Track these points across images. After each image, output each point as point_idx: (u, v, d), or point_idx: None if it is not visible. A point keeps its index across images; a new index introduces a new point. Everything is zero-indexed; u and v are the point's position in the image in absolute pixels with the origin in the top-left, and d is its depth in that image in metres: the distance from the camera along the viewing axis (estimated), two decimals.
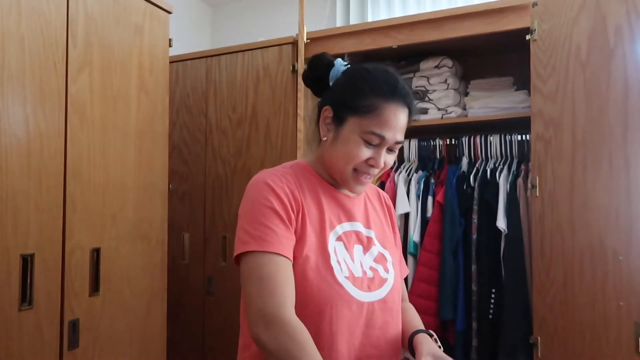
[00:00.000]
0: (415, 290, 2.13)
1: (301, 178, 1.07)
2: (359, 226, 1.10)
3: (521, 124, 2.07)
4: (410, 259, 2.19)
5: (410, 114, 1.05)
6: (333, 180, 1.10)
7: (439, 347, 1.05)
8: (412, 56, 2.41)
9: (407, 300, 1.27)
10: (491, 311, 2.02)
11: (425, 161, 2.40)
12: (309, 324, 0.95)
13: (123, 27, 1.84)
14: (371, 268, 1.06)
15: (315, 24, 2.86)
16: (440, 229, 2.13)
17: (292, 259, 0.97)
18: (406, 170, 2.35)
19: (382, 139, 1.01)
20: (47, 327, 1.54)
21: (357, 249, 1.07)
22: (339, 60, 1.11)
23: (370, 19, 3.16)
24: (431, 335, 1.08)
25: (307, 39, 2.34)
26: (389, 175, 2.33)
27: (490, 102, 2.24)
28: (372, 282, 1.05)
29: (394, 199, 2.23)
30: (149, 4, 1.95)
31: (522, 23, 1.95)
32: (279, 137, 2.45)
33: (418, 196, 2.24)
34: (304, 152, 2.31)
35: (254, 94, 2.52)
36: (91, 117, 1.70)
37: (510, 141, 2.20)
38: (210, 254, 2.60)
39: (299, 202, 1.02)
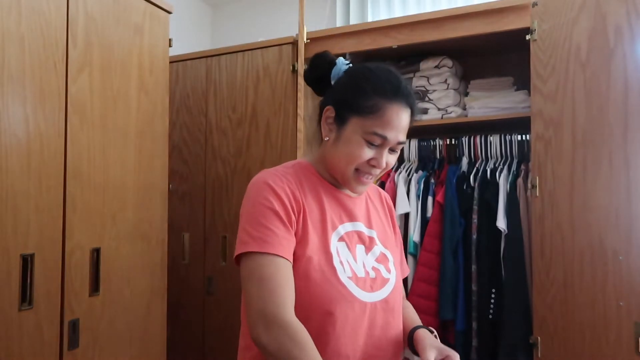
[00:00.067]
0: (415, 290, 2.13)
1: (302, 178, 1.07)
2: (361, 226, 1.10)
3: (521, 124, 2.07)
4: (410, 259, 2.19)
5: (412, 114, 1.04)
6: (334, 180, 1.10)
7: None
8: (412, 56, 2.41)
9: (406, 298, 1.28)
10: (491, 311, 2.02)
11: (425, 161, 2.40)
12: (312, 325, 0.95)
13: (123, 27, 1.84)
14: (373, 268, 1.06)
15: (315, 24, 2.86)
16: (440, 229, 2.13)
17: (292, 260, 0.97)
18: (406, 170, 2.35)
19: (385, 139, 1.00)
20: (47, 327, 1.54)
21: (360, 249, 1.07)
22: (341, 59, 1.10)
23: (370, 19, 3.16)
24: (431, 332, 1.08)
25: (307, 39, 2.34)
26: (389, 175, 2.33)
27: (490, 102, 2.24)
28: (374, 282, 1.05)
29: (394, 199, 2.23)
30: (149, 4, 1.95)
31: (522, 23, 1.95)
32: (279, 137, 2.45)
33: (418, 196, 2.24)
34: (304, 152, 2.31)
35: (254, 94, 2.52)
36: (91, 117, 1.70)
37: (510, 141, 2.20)
38: (210, 254, 2.60)
39: (300, 202, 1.02)
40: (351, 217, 1.09)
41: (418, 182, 2.27)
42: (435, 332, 1.09)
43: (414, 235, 2.19)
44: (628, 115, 1.60)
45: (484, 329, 2.04)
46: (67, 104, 1.62)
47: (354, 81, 1.04)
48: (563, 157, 1.74)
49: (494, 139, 2.22)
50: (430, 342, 1.01)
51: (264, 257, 0.94)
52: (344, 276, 1.00)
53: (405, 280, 1.29)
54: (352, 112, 1.02)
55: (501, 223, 2.00)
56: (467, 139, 2.28)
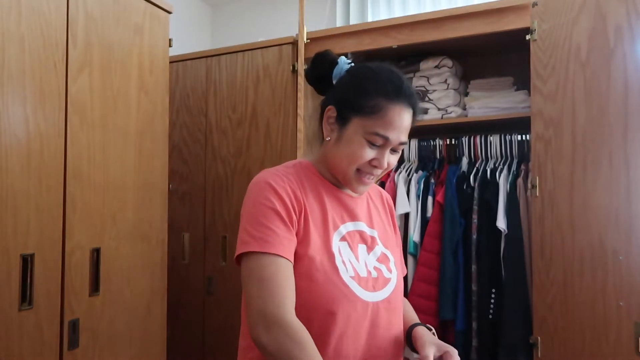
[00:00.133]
0: (415, 290, 2.13)
1: (303, 178, 1.06)
2: (363, 226, 1.10)
3: (521, 124, 2.07)
4: (410, 259, 2.19)
5: (414, 115, 1.04)
6: (335, 179, 1.09)
7: None
8: (412, 56, 2.41)
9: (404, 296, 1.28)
10: (491, 311, 2.02)
11: (425, 161, 2.40)
12: (314, 325, 0.95)
13: (123, 27, 1.84)
14: (375, 268, 1.06)
15: (315, 24, 2.86)
16: (440, 229, 2.13)
17: (292, 260, 0.97)
18: (406, 170, 2.35)
19: (386, 140, 1.00)
20: (47, 327, 1.54)
21: (361, 248, 1.07)
22: (343, 58, 1.09)
23: (370, 19, 3.16)
24: (429, 329, 1.08)
25: (307, 39, 2.34)
26: (389, 175, 2.33)
27: (490, 102, 2.24)
28: (376, 282, 1.04)
29: (394, 199, 2.23)
30: (149, 4, 1.95)
31: (522, 23, 1.95)
32: (279, 137, 2.45)
33: (418, 196, 2.24)
34: (304, 152, 2.31)
35: (254, 94, 2.52)
36: (91, 117, 1.70)
37: (510, 141, 2.20)
38: (210, 254, 2.60)
39: (301, 202, 1.01)
40: (353, 217, 1.09)
41: (418, 182, 2.27)
42: (434, 330, 1.09)
43: (414, 235, 2.19)
44: (628, 115, 1.60)
45: (484, 329, 2.04)
46: (67, 104, 1.62)
47: (356, 81, 1.04)
48: (563, 157, 1.74)
49: (494, 139, 2.22)
50: (429, 338, 1.01)
51: (264, 257, 0.93)
52: (346, 276, 1.00)
53: (405, 280, 1.29)
54: (353, 112, 1.01)
55: (501, 223, 2.00)
56: (467, 139, 2.28)
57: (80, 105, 1.66)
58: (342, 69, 1.08)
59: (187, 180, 2.67)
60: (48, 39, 1.56)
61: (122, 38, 1.83)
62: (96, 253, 1.70)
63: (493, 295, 2.02)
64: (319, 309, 0.97)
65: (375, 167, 1.03)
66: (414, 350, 1.04)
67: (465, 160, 2.28)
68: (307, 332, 0.90)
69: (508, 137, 2.20)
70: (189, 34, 3.43)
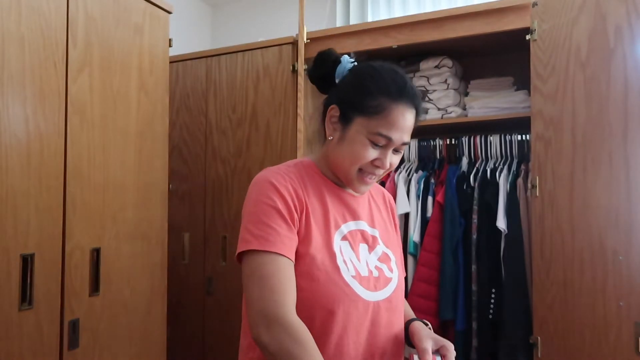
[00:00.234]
0: (415, 290, 2.13)
1: (305, 177, 1.06)
2: (364, 225, 1.10)
3: (521, 124, 2.07)
4: (410, 259, 2.19)
5: (417, 115, 1.04)
6: (337, 179, 1.09)
7: None
8: (412, 56, 2.41)
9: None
10: (491, 311, 2.02)
11: (425, 161, 2.41)
12: (315, 324, 0.95)
13: (123, 27, 1.84)
14: (376, 267, 1.06)
15: (315, 24, 2.86)
16: (440, 229, 2.13)
17: (293, 259, 0.97)
18: (406, 170, 2.36)
19: (389, 140, 1.00)
20: (47, 327, 1.54)
21: (363, 248, 1.07)
22: (346, 57, 1.09)
23: (370, 19, 3.16)
24: (426, 324, 1.09)
25: (307, 39, 2.34)
26: (389, 175, 2.33)
27: (490, 102, 2.24)
28: (377, 282, 1.04)
29: (394, 199, 2.23)
30: (149, 4, 1.95)
31: (522, 23, 1.95)
32: (279, 137, 2.45)
33: (418, 196, 2.24)
34: (304, 152, 2.31)
35: (254, 94, 2.52)
36: (91, 117, 1.70)
37: (510, 141, 2.20)
38: (210, 254, 2.60)
39: (303, 201, 1.01)
40: (354, 216, 1.09)
41: (418, 182, 2.27)
42: (430, 325, 1.10)
43: (414, 235, 2.19)
44: (628, 115, 1.60)
45: (484, 329, 2.04)
46: (67, 104, 1.62)
47: (359, 80, 1.04)
48: (563, 157, 1.74)
49: (494, 139, 2.22)
50: (425, 333, 1.02)
51: (265, 256, 0.93)
52: (347, 275, 0.99)
53: (405, 280, 1.29)
54: (356, 112, 1.01)
55: (501, 223, 2.00)
56: (467, 139, 2.28)
57: (80, 105, 1.66)
58: (345, 68, 1.08)
59: (187, 180, 2.67)
60: (48, 39, 1.56)
61: (122, 38, 1.83)
62: (96, 253, 1.70)
63: (493, 295, 2.02)
64: (320, 308, 0.97)
65: (378, 167, 1.03)
66: (411, 345, 1.04)
67: (465, 160, 2.28)
68: (308, 331, 0.90)
69: (508, 137, 2.20)
70: (189, 34, 3.43)
